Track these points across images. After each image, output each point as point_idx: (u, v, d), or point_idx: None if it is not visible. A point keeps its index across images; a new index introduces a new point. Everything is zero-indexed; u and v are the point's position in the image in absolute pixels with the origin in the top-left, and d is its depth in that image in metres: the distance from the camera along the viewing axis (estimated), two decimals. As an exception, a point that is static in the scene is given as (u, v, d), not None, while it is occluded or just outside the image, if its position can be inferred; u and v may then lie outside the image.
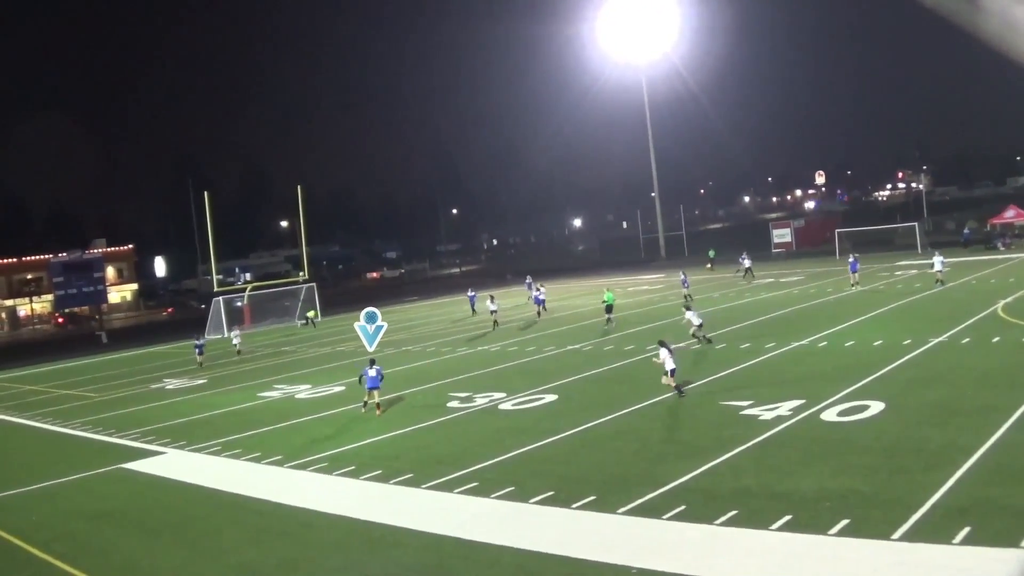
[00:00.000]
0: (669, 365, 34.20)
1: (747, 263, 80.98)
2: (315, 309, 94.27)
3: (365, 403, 39.24)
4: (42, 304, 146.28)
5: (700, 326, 45.63)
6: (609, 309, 59.57)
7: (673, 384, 34.28)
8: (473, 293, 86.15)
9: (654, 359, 35.52)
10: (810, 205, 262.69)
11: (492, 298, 70.09)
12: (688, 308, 48.27)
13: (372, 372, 38.40)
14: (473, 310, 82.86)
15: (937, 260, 62.55)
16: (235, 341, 71.18)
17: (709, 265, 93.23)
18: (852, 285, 64.57)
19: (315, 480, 28.79)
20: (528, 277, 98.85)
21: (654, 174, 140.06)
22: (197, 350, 64.86)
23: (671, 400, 33.77)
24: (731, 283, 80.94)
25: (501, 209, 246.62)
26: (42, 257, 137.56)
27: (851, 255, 68.89)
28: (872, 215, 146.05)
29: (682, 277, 75.79)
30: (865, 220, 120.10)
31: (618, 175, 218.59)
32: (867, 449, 24.16)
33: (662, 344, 35.01)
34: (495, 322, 66.47)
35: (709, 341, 46.03)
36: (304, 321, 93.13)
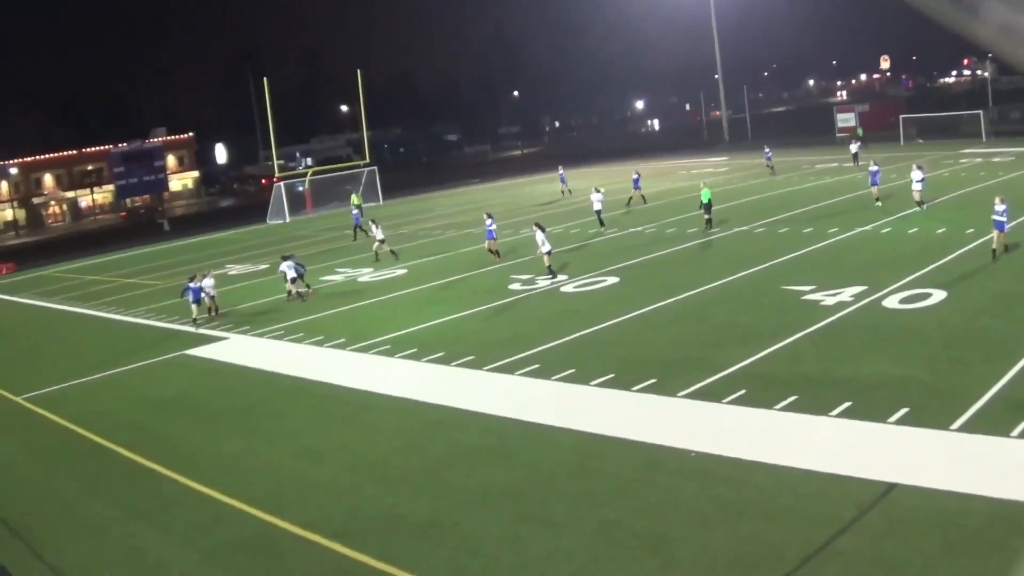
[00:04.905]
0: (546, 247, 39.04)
1: (854, 148, 78.89)
2: (358, 194, 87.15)
3: (290, 293, 42.35)
4: (103, 195, 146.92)
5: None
6: (707, 208, 48.52)
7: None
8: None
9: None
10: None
11: (287, 258, 42.98)
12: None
13: (287, 267, 41.90)
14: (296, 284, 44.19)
15: (916, 175, 46.91)
16: (210, 289, 40.48)
17: (859, 142, 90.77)
18: (876, 200, 50.37)
19: (377, 363, 29.07)
20: (560, 168, 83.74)
21: (717, 56, 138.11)
22: (191, 295, 39.54)
23: (732, 284, 33.69)
24: (796, 166, 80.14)
25: (562, 92, 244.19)
26: (102, 148, 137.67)
27: (872, 162, 54.62)
28: (937, 102, 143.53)
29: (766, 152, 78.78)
30: (930, 107, 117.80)
31: (681, 57, 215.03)
32: (928, 338, 23.98)
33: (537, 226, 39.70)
34: (297, 293, 42.54)
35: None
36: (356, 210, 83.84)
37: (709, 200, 47.67)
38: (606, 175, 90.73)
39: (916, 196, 46.00)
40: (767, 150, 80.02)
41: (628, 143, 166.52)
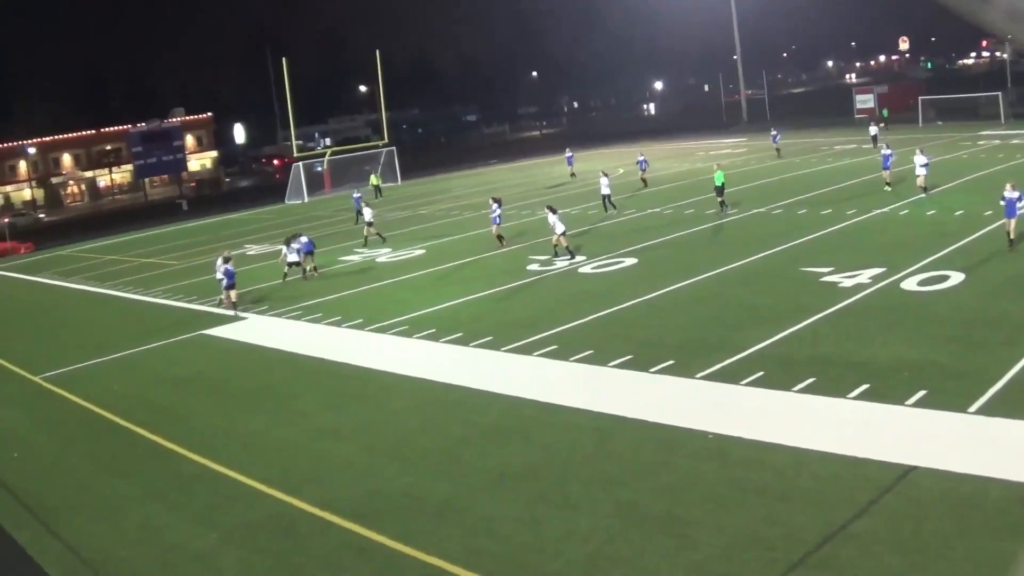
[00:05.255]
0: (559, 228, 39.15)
1: (874, 131, 78.12)
2: (377, 175, 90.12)
3: (285, 276, 43.16)
4: (122, 175, 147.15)
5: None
6: (720, 191, 47.60)
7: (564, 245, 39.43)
8: None
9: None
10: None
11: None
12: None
13: (288, 250, 42.96)
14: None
15: (919, 160, 45.06)
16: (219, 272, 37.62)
17: (883, 124, 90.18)
18: (886, 184, 48.84)
19: (395, 343, 29.14)
20: (568, 151, 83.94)
21: (736, 37, 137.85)
22: (226, 278, 36.93)
23: (751, 265, 33.66)
24: (814, 148, 79.87)
25: (581, 72, 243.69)
26: (121, 128, 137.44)
27: (885, 145, 53.50)
28: (956, 83, 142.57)
29: (774, 133, 78.53)
30: (948, 88, 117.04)
31: (699, 37, 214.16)
32: (946, 320, 23.96)
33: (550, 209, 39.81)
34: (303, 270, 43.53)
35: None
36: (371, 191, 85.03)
37: (722, 183, 47.30)
38: (623, 156, 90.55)
39: (920, 182, 44.98)
40: (774, 132, 79.62)
41: (645, 124, 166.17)
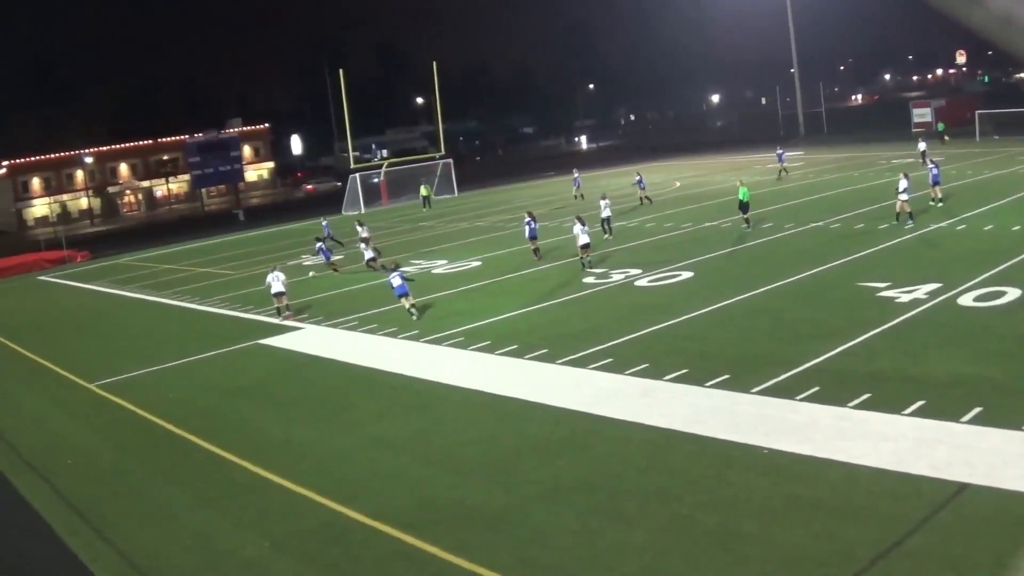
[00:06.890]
0: (582, 240, 40.60)
1: (922, 146, 77.03)
2: (428, 186, 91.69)
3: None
4: (178, 184, 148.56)
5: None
6: (744, 207, 47.78)
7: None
8: None
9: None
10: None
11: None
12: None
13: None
14: None
15: (901, 185, 42.81)
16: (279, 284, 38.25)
17: (945, 138, 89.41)
18: (932, 200, 47.48)
19: (451, 354, 29.27)
20: (575, 172, 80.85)
21: (793, 49, 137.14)
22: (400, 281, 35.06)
23: (807, 280, 33.53)
24: (872, 162, 79.22)
25: (638, 84, 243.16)
26: (178, 138, 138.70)
27: (929, 161, 53.64)
28: (1013, 97, 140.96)
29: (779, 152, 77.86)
30: (1006, 102, 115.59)
31: (756, 50, 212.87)
32: (1003, 336, 23.70)
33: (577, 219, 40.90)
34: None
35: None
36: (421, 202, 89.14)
37: (745, 199, 47.22)
38: (679, 169, 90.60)
39: (898, 207, 43.03)
40: (780, 151, 78.36)
41: (701, 137, 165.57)
